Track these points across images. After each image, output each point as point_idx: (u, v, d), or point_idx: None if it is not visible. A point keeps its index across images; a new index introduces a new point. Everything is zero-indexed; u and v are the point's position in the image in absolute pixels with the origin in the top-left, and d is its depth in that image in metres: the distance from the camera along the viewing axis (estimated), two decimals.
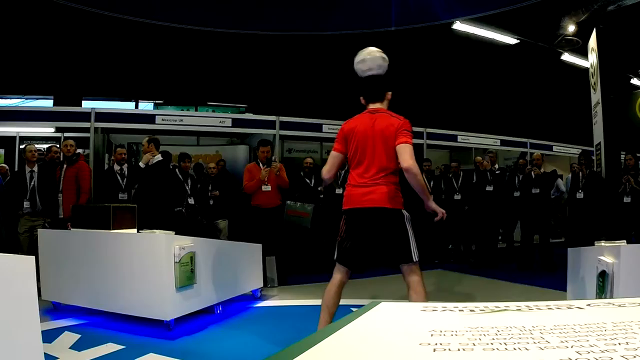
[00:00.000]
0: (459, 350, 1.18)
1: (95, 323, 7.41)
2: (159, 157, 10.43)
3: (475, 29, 18.04)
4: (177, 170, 11.96)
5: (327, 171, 5.90)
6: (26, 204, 10.43)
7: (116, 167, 11.17)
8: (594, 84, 14.74)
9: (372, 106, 5.86)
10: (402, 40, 18.74)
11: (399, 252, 5.58)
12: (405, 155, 5.40)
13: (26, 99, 20.28)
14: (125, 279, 7.27)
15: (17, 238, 10.57)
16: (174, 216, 11.49)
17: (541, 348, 1.16)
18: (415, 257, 5.57)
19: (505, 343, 1.21)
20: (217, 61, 21.29)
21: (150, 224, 8.40)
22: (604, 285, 5.29)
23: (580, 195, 12.45)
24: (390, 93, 5.95)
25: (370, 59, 6.03)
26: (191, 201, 11.68)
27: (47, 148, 12.16)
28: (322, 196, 12.57)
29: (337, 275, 5.83)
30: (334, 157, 5.87)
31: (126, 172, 11.11)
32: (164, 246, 6.96)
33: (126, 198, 10.86)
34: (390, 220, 5.54)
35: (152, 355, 5.85)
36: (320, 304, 5.84)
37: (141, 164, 10.36)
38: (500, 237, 15.22)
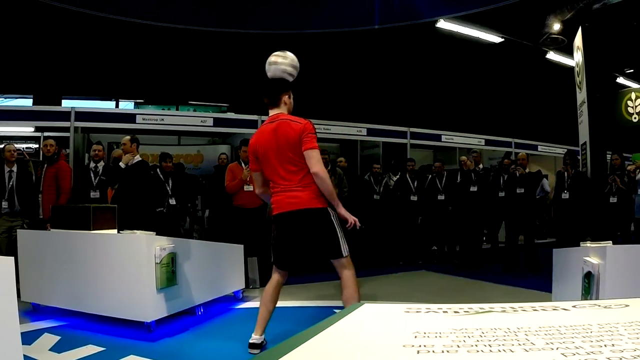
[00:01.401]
0: (443, 352, 1.19)
1: (75, 324, 7.37)
2: (138, 158, 10.40)
3: (459, 28, 18.05)
4: (157, 170, 11.91)
5: (257, 188, 6.23)
6: (4, 204, 10.36)
7: (91, 165, 11.07)
8: (580, 83, 14.78)
9: (271, 112, 6.05)
10: (385, 39, 18.78)
11: (328, 249, 5.74)
12: (313, 161, 5.60)
13: (5, 98, 20.20)
14: (106, 280, 7.23)
15: None
16: (155, 217, 11.49)
17: (526, 350, 1.16)
18: (344, 252, 5.73)
19: (490, 345, 1.21)
20: (198, 60, 21.25)
21: (131, 224, 8.39)
22: (589, 287, 5.31)
23: (565, 195, 12.44)
24: (287, 96, 6.12)
25: (273, 65, 6.27)
26: (172, 202, 11.63)
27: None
28: None
29: (275, 275, 6.05)
30: (256, 176, 6.16)
31: (100, 170, 10.99)
32: (144, 247, 6.93)
33: (98, 196, 10.77)
34: (315, 219, 5.69)
35: (133, 357, 5.82)
36: (304, 304, 5.88)
37: (121, 164, 10.30)
38: (484, 238, 15.19)
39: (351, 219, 5.79)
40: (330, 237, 5.69)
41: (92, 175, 10.87)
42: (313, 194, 5.65)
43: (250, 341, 6.01)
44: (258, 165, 5.92)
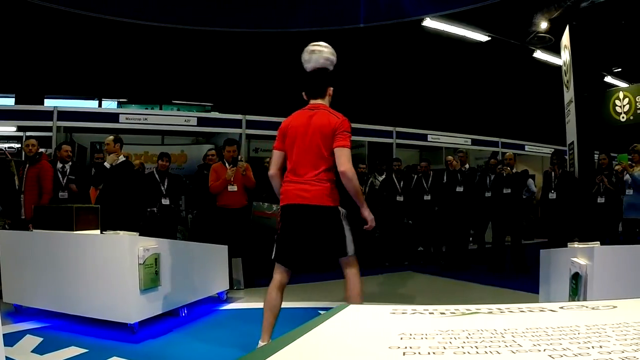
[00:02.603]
0: (429, 354, 1.18)
1: (58, 326, 7.35)
2: (123, 158, 10.37)
3: (445, 26, 18.11)
4: (154, 170, 11.87)
5: (271, 168, 6.01)
6: None
7: (58, 165, 11.03)
8: (567, 82, 14.84)
9: (312, 102, 5.95)
10: (371, 37, 18.82)
11: (334, 247, 5.68)
12: (342, 159, 5.52)
13: None
14: (89, 281, 7.21)
15: None
16: (142, 217, 11.46)
17: (513, 351, 1.16)
18: (350, 251, 5.68)
19: (476, 346, 1.21)
20: (182, 59, 21.24)
21: (115, 224, 8.37)
22: (577, 288, 5.31)
23: (553, 195, 12.47)
24: (332, 89, 6.05)
25: (315, 53, 6.12)
26: (166, 202, 11.60)
27: None
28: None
29: (277, 275, 5.95)
30: (275, 155, 5.96)
31: (68, 171, 10.98)
32: (127, 247, 6.91)
33: (66, 197, 10.76)
34: (324, 218, 5.62)
35: (116, 359, 5.82)
36: (289, 306, 5.85)
37: (106, 164, 10.27)
38: (471, 239, 15.26)
39: (371, 222, 5.80)
40: (336, 235, 5.64)
41: (59, 175, 10.84)
42: (326, 191, 5.61)
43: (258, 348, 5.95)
44: (282, 145, 5.86)
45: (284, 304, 6.05)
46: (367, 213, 5.79)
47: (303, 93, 6.03)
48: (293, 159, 5.72)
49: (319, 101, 5.92)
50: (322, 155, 5.59)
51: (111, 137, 10.45)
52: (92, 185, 10.82)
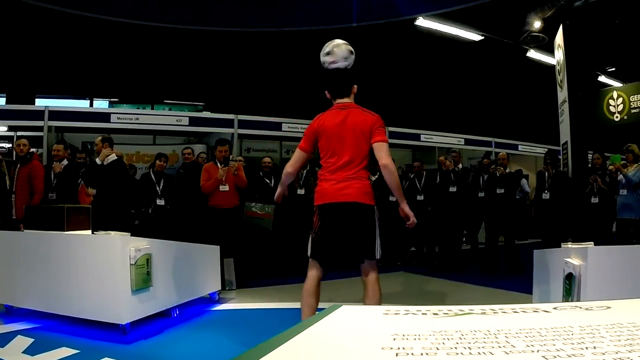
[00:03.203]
0: (422, 354, 1.18)
1: (49, 327, 7.32)
2: (113, 157, 10.35)
3: (438, 25, 18.11)
4: (150, 170, 11.84)
5: (290, 165, 5.99)
6: None
7: (52, 164, 10.99)
8: (561, 81, 14.85)
9: (339, 101, 5.92)
10: (363, 36, 18.77)
11: (364, 248, 5.65)
12: (382, 153, 5.57)
13: None
14: (80, 282, 7.19)
15: None
16: (136, 217, 11.46)
17: (506, 352, 1.16)
18: (378, 255, 5.68)
19: (469, 347, 1.21)
20: (174, 58, 21.24)
21: (106, 225, 8.36)
22: (570, 288, 5.32)
23: (546, 195, 12.46)
24: (356, 87, 6.01)
25: (337, 51, 6.07)
26: (161, 202, 11.59)
27: None
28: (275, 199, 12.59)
29: (313, 271, 5.85)
30: (299, 154, 5.96)
31: (62, 170, 10.91)
32: (119, 248, 6.90)
33: (55, 198, 10.72)
34: (363, 216, 5.61)
35: None
36: (281, 306, 5.84)
37: (97, 160, 10.24)
38: (464, 239, 15.24)
39: (413, 218, 5.85)
40: (370, 236, 5.65)
41: (51, 175, 10.82)
42: (365, 189, 5.64)
43: None
44: (309, 145, 5.87)
45: (277, 305, 6.06)
46: (407, 209, 5.84)
47: (326, 92, 6.03)
48: (329, 158, 5.74)
49: (345, 100, 5.94)
50: (360, 154, 5.64)
51: (99, 137, 10.42)
52: (86, 183, 10.74)
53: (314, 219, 5.83)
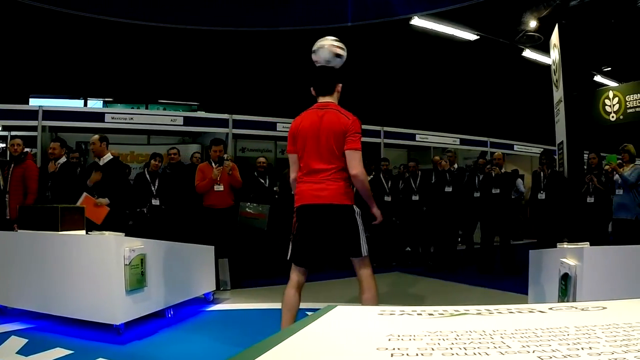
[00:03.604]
0: (417, 355, 1.18)
1: (43, 327, 7.32)
2: (110, 156, 10.33)
3: (434, 25, 18.09)
4: (145, 170, 11.83)
5: (292, 172, 5.97)
6: None
7: (50, 165, 10.93)
8: (556, 81, 14.84)
9: (321, 99, 5.92)
10: (359, 36, 18.77)
11: (348, 247, 5.67)
12: (354, 162, 5.56)
13: None
14: (74, 282, 7.20)
15: None
16: (131, 217, 11.46)
17: (502, 353, 1.16)
18: (364, 252, 5.68)
19: (465, 348, 1.21)
20: (168, 57, 21.22)
21: (102, 224, 8.37)
22: (566, 289, 5.32)
23: (542, 195, 12.46)
24: (340, 85, 6.01)
25: (319, 52, 6.10)
26: (156, 202, 11.59)
27: None
28: (277, 196, 12.58)
29: (294, 276, 5.85)
30: (291, 158, 5.95)
31: (57, 169, 10.79)
32: (113, 248, 6.90)
33: (51, 197, 10.66)
34: (341, 216, 5.61)
35: None
36: (275, 307, 5.83)
37: (97, 160, 10.24)
38: (459, 239, 15.20)
39: (380, 217, 6.01)
40: (352, 235, 5.64)
41: (47, 175, 10.78)
42: (341, 190, 5.61)
43: None
44: (295, 148, 5.85)
45: (271, 305, 6.06)
46: (375, 210, 5.95)
47: (312, 89, 6.00)
48: (306, 160, 5.72)
49: (327, 99, 5.92)
50: (335, 155, 5.61)
51: (97, 136, 10.39)
52: (90, 192, 10.64)
53: (293, 221, 5.85)
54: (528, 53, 20.51)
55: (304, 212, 5.70)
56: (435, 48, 20.78)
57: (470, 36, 19.21)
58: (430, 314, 1.62)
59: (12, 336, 6.79)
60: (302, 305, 5.87)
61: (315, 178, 5.63)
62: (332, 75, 6.02)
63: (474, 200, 13.26)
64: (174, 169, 12.22)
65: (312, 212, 5.64)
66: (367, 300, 5.71)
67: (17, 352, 6.11)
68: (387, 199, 14.06)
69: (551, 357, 1.10)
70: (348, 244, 5.66)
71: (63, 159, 10.89)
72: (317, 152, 5.63)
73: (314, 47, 6.11)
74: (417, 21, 17.71)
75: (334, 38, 6.18)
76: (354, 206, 5.71)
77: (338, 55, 6.12)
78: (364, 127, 16.58)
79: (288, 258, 5.88)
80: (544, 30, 16.67)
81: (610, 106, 13.92)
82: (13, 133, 15.06)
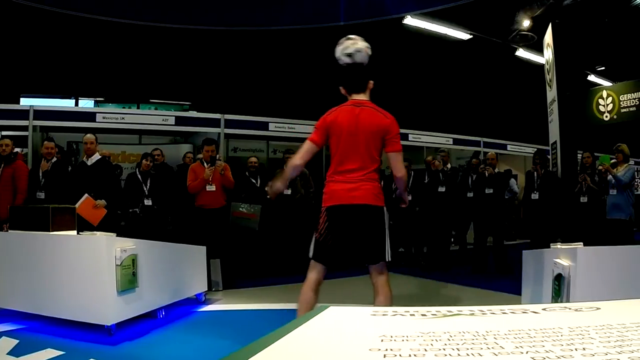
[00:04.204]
0: (410, 356, 1.18)
1: (34, 328, 7.31)
2: (97, 156, 10.32)
3: (427, 24, 18.09)
4: (136, 170, 11.80)
5: (299, 157, 5.86)
6: None
7: (41, 163, 10.89)
8: (550, 80, 14.86)
9: (355, 97, 5.88)
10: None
11: (375, 251, 5.65)
12: (399, 165, 5.66)
13: None
14: (65, 283, 7.18)
15: None
16: (124, 217, 11.45)
17: (495, 354, 1.16)
18: (388, 257, 5.70)
19: (458, 349, 1.21)
20: (160, 57, 21.21)
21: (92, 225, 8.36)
22: (560, 289, 5.32)
23: (535, 196, 12.48)
24: (372, 82, 5.99)
25: (361, 53, 6.05)
26: (148, 202, 11.56)
27: None
28: (268, 197, 12.60)
29: (313, 274, 5.78)
30: (309, 146, 5.85)
31: (50, 168, 10.70)
32: (104, 248, 6.89)
33: (43, 197, 10.58)
34: (373, 218, 5.60)
35: None
36: (267, 307, 5.83)
37: (85, 160, 10.24)
38: (452, 239, 15.24)
39: (406, 200, 6.16)
40: (380, 238, 5.64)
41: (40, 174, 10.74)
42: (375, 190, 5.62)
43: None
44: (320, 139, 5.80)
45: (263, 306, 6.05)
46: (405, 194, 6.09)
47: (341, 88, 6.00)
48: (340, 158, 5.70)
49: (361, 96, 5.90)
50: (372, 155, 5.61)
51: (93, 136, 10.40)
52: (86, 191, 10.58)
53: (320, 220, 5.77)
54: (521, 52, 20.51)
55: (336, 212, 5.65)
56: (428, 47, 20.78)
57: (464, 35, 19.21)
58: (423, 315, 1.62)
59: (3, 337, 6.79)
60: (294, 306, 5.87)
61: (349, 177, 5.60)
62: (365, 72, 6.02)
63: (467, 201, 13.27)
64: (158, 169, 12.17)
65: (346, 213, 5.60)
66: (381, 304, 5.68)
67: (8, 353, 6.09)
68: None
69: (544, 358, 1.10)
70: (375, 247, 5.65)
71: (55, 158, 10.87)
72: (353, 151, 5.61)
73: (350, 50, 6.03)
74: (409, 20, 17.70)
75: (359, 38, 6.17)
76: (385, 209, 5.72)
77: (368, 49, 6.15)
78: None
79: (310, 256, 5.83)
80: (538, 30, 16.69)
81: (604, 106, 13.96)
82: (4, 133, 15.00)
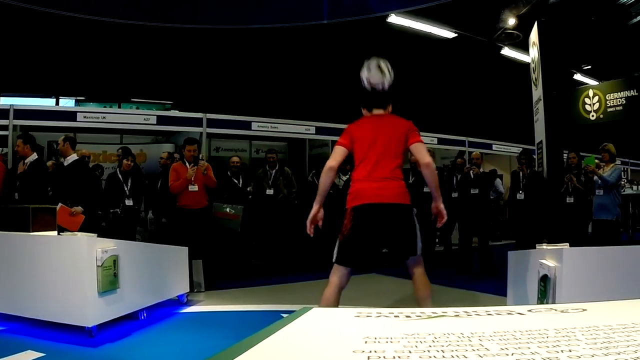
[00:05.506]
0: (394, 357, 1.18)
1: (14, 329, 7.30)
2: (75, 157, 10.29)
3: (411, 23, 18.11)
4: (117, 170, 11.76)
5: (333, 160, 5.86)
6: None
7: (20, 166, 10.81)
8: (535, 79, 14.91)
9: (375, 112, 6.07)
10: (334, 34, 18.80)
11: (407, 246, 5.71)
12: (424, 152, 5.70)
13: None
14: (45, 284, 7.14)
15: None
16: (104, 218, 11.43)
17: (480, 356, 1.16)
18: (419, 250, 5.77)
19: (442, 350, 1.22)
20: (141, 55, 21.12)
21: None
22: (545, 290, 5.33)
23: (520, 196, 12.48)
24: (391, 105, 6.22)
25: (387, 79, 6.21)
26: (129, 202, 11.54)
27: None
28: (250, 197, 12.57)
29: (336, 279, 5.77)
30: (340, 150, 5.87)
31: (27, 168, 10.63)
32: (85, 249, 6.84)
33: (16, 198, 10.52)
34: (403, 216, 5.66)
35: None
36: (250, 309, 5.83)
37: (62, 161, 10.23)
38: (437, 240, 15.23)
39: (445, 216, 5.96)
40: (410, 234, 5.68)
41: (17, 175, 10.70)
42: (402, 189, 5.69)
43: None
44: (348, 143, 5.83)
45: (246, 307, 6.05)
46: (442, 206, 5.94)
47: (363, 108, 6.16)
48: (364, 159, 5.76)
49: (381, 111, 6.08)
50: (397, 155, 5.73)
51: (63, 137, 10.38)
52: (61, 199, 10.53)
53: (345, 221, 5.76)
54: (507, 51, 20.52)
55: (364, 211, 5.64)
56: (413, 46, 20.77)
57: (448, 34, 19.22)
58: (407, 316, 1.62)
59: None
60: (277, 307, 5.89)
61: (375, 176, 5.65)
62: (388, 97, 6.23)
63: (452, 201, 13.17)
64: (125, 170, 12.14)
65: (373, 212, 5.60)
66: (424, 298, 5.79)
67: None
68: None
69: None
70: (407, 243, 5.69)
71: (34, 157, 10.75)
72: (377, 153, 5.68)
73: (376, 80, 6.16)
74: (394, 19, 17.71)
75: (385, 65, 6.32)
76: (412, 207, 5.80)
77: (392, 74, 6.35)
78: (341, 126, 16.72)
79: (334, 260, 5.81)
80: (523, 28, 16.73)
81: (590, 105, 13.99)
82: None
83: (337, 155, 5.86)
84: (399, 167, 5.71)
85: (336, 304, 5.68)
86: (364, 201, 5.62)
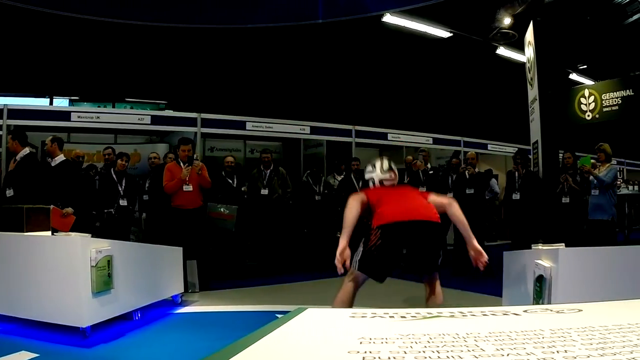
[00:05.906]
0: (389, 358, 1.18)
1: (8, 330, 7.29)
2: (62, 157, 10.27)
3: (406, 22, 18.07)
4: (111, 170, 11.75)
5: (359, 200, 5.96)
6: None
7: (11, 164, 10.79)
8: (531, 79, 14.89)
9: None
10: (329, 33, 18.79)
11: (431, 263, 5.82)
12: (440, 197, 6.03)
13: None
14: (39, 284, 7.11)
15: None
16: (98, 218, 11.41)
17: (476, 356, 1.16)
18: (439, 263, 5.87)
19: (438, 351, 1.22)
20: (135, 55, 21.07)
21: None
22: (541, 291, 5.34)
23: (516, 196, 12.50)
24: None
25: (390, 174, 6.45)
26: (123, 203, 11.53)
27: None
28: (245, 197, 12.56)
29: (353, 284, 5.94)
30: (363, 195, 6.07)
31: (16, 164, 10.66)
32: (79, 249, 6.82)
33: (12, 194, 10.50)
34: (432, 234, 5.73)
35: None
36: (244, 309, 5.84)
37: (50, 161, 10.20)
38: None
39: (484, 254, 5.79)
40: (436, 253, 5.78)
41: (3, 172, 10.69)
42: (432, 210, 5.77)
43: None
44: (372, 198, 5.99)
45: (240, 308, 6.04)
46: (478, 246, 5.89)
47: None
48: (392, 200, 5.97)
49: None
50: (419, 193, 6.14)
51: (50, 137, 10.36)
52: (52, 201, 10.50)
53: (371, 236, 5.77)
54: (502, 51, 20.51)
55: (391, 229, 5.65)
56: (408, 46, 20.76)
57: (444, 33, 19.20)
58: (402, 317, 1.62)
59: None
60: (272, 308, 5.89)
61: (403, 205, 5.78)
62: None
63: None
64: (109, 169, 12.07)
65: (403, 229, 5.63)
66: (437, 306, 5.70)
67: None
68: None
69: None
70: (432, 260, 5.78)
71: (25, 152, 10.65)
72: (399, 195, 6.01)
73: (392, 181, 6.46)
74: (389, 18, 17.70)
75: (387, 160, 6.57)
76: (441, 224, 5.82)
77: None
78: (335, 126, 16.62)
79: (356, 267, 5.85)
80: (519, 28, 16.72)
81: (586, 105, 13.98)
82: None
83: (359, 197, 5.97)
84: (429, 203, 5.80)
85: (351, 306, 5.72)
86: (392, 220, 5.65)
